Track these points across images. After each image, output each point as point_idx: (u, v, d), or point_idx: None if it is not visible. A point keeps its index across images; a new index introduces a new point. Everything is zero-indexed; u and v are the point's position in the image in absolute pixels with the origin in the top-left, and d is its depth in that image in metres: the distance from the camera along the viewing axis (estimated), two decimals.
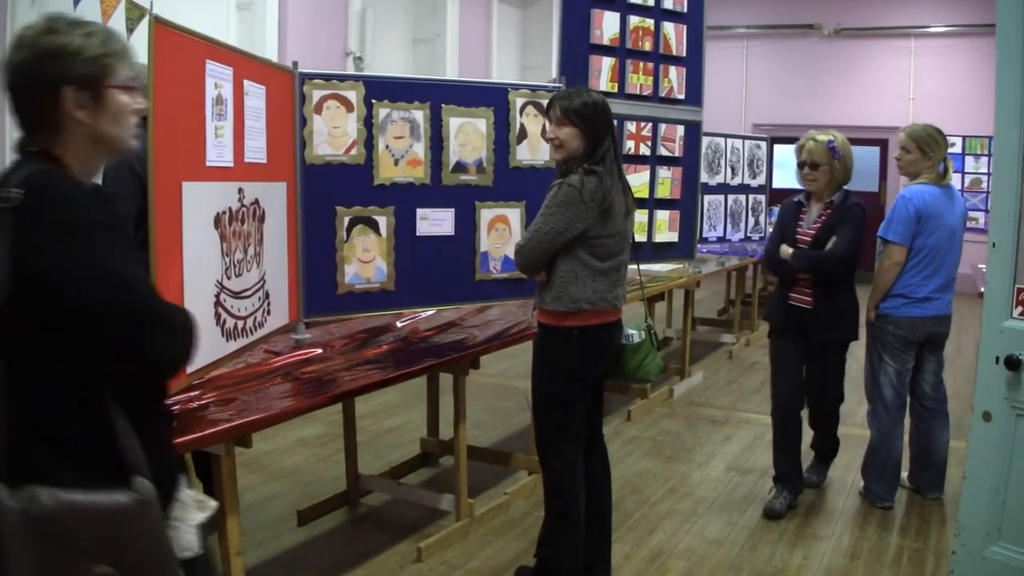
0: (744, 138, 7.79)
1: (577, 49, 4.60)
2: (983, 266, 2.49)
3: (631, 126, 4.82)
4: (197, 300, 2.39)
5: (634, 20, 4.77)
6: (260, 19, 6.08)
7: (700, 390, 5.65)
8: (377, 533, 3.40)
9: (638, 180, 4.81)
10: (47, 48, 1.38)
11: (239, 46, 3.04)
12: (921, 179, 3.57)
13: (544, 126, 2.77)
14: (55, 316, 1.32)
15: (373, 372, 2.92)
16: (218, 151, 2.58)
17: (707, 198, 6.95)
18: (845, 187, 3.54)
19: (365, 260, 3.46)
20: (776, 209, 4.14)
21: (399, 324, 3.66)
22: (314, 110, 3.30)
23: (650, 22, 4.85)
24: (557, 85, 3.87)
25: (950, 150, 3.67)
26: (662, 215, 5.07)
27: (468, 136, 3.63)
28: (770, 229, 4.51)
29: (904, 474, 3.79)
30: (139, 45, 1.88)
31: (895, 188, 10.00)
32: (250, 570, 2.94)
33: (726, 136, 7.38)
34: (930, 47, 10.55)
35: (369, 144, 3.43)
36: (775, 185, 8.42)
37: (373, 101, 3.42)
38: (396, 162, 3.49)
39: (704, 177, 6.41)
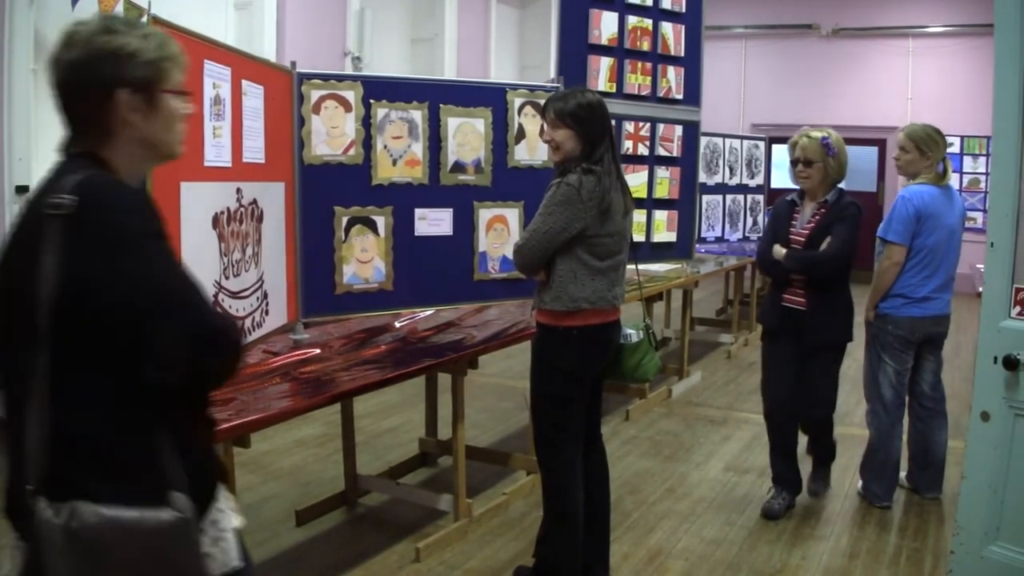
0: (742, 138, 7.80)
1: (575, 49, 4.60)
2: (981, 266, 2.49)
3: (629, 126, 4.82)
4: None
5: (632, 20, 4.77)
6: (258, 19, 6.07)
7: (698, 390, 5.66)
8: (375, 533, 3.40)
9: (636, 180, 4.81)
10: (103, 48, 1.33)
11: (237, 46, 3.05)
12: (920, 179, 3.56)
13: (542, 127, 2.77)
14: (105, 328, 1.27)
15: (371, 372, 2.91)
16: (216, 151, 2.58)
17: (705, 198, 6.95)
18: (840, 185, 3.47)
19: (363, 260, 3.46)
20: None
21: (397, 324, 3.66)
22: (312, 110, 3.30)
23: (648, 22, 4.86)
24: (555, 85, 3.87)
25: (948, 150, 3.66)
26: (660, 215, 5.07)
27: (466, 136, 3.62)
28: None
29: (902, 474, 3.79)
30: None
31: (893, 188, 10.03)
32: None
33: (724, 136, 7.39)
34: (928, 47, 10.57)
35: (367, 144, 3.42)
36: (773, 185, 8.42)
37: (371, 101, 3.42)
38: (394, 162, 3.49)
39: (702, 177, 6.41)
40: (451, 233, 3.63)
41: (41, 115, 4.62)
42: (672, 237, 5.15)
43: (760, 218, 7.81)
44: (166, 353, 1.30)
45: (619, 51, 4.74)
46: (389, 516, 3.57)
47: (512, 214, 3.76)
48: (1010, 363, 2.25)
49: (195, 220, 2.43)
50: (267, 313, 3.01)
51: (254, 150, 2.88)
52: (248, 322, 2.83)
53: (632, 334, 2.90)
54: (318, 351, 3.15)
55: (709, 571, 3.11)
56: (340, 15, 6.82)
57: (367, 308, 3.52)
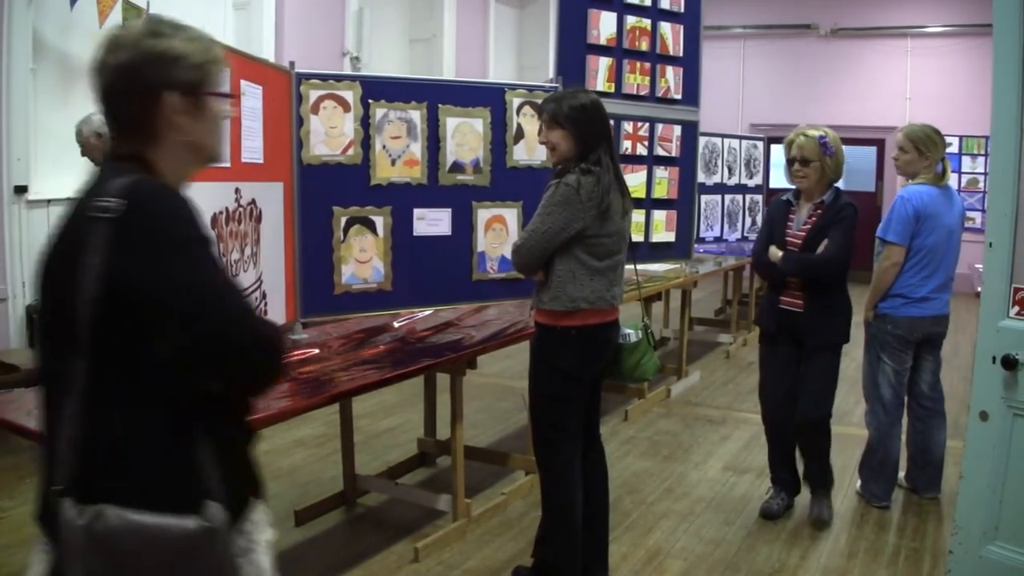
0: (741, 138, 7.80)
1: (574, 49, 4.60)
2: (980, 266, 2.49)
3: (628, 126, 4.82)
4: None
5: (631, 20, 4.77)
6: (257, 19, 6.08)
7: (697, 390, 5.66)
8: (374, 533, 3.40)
9: (635, 180, 4.81)
10: (150, 51, 1.32)
11: (236, 46, 3.05)
12: (919, 179, 3.56)
13: (540, 127, 2.77)
14: (147, 334, 1.25)
15: (370, 372, 2.91)
16: None
17: (704, 198, 6.95)
18: (836, 185, 3.41)
19: (362, 260, 3.46)
20: None
21: (396, 324, 3.66)
22: (311, 110, 3.30)
23: (647, 22, 4.86)
24: (554, 85, 3.87)
25: (947, 150, 3.66)
26: (659, 215, 5.07)
27: (465, 136, 3.62)
28: None
29: (901, 474, 3.79)
30: None
31: (892, 188, 10.04)
32: None
33: (723, 136, 7.39)
34: (927, 47, 10.57)
35: (366, 144, 3.42)
36: (772, 185, 8.43)
37: (370, 101, 3.42)
38: (393, 162, 3.49)
39: (701, 177, 6.41)
40: (450, 233, 3.63)
41: (39, 115, 4.63)
42: (671, 237, 5.16)
43: (759, 218, 7.81)
44: (209, 359, 1.29)
45: (618, 51, 4.74)
46: (388, 516, 3.57)
47: (511, 214, 3.76)
48: (1009, 363, 2.25)
49: None
50: (266, 313, 3.00)
51: (253, 150, 2.88)
52: None
53: (631, 334, 2.90)
54: (317, 351, 3.15)
55: (708, 571, 3.11)
56: (339, 15, 6.83)
57: (366, 308, 3.52)
